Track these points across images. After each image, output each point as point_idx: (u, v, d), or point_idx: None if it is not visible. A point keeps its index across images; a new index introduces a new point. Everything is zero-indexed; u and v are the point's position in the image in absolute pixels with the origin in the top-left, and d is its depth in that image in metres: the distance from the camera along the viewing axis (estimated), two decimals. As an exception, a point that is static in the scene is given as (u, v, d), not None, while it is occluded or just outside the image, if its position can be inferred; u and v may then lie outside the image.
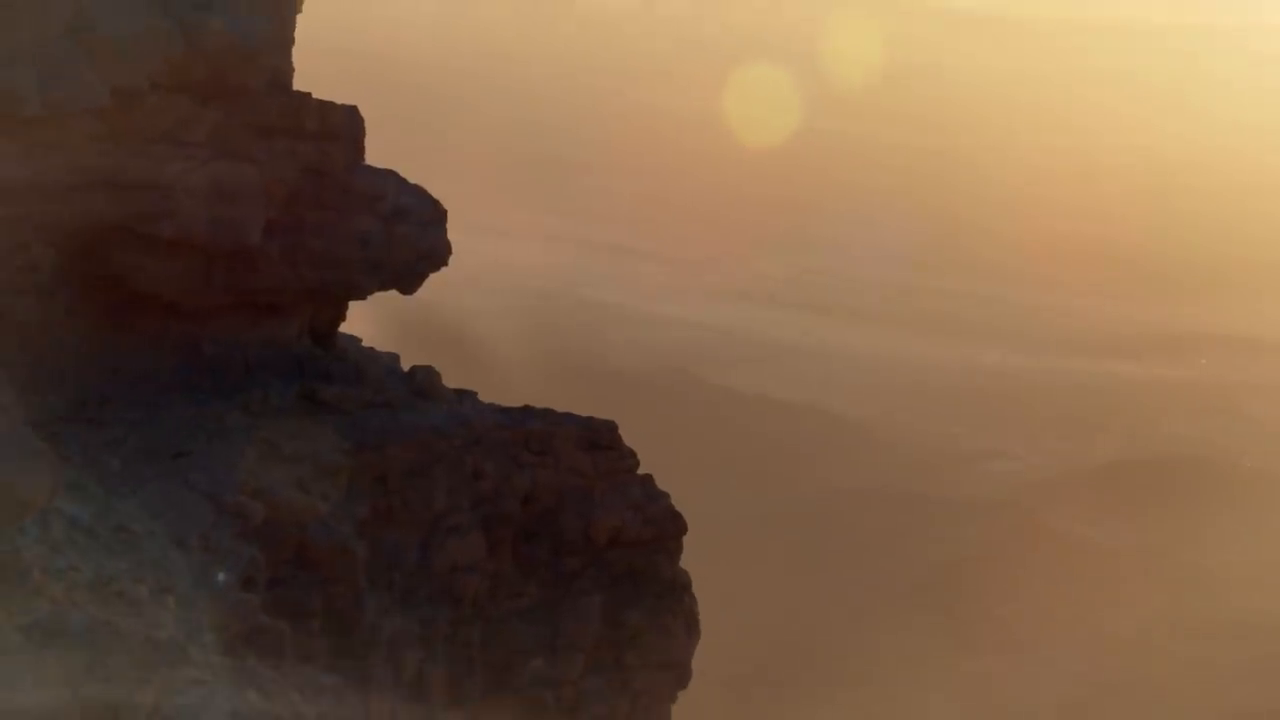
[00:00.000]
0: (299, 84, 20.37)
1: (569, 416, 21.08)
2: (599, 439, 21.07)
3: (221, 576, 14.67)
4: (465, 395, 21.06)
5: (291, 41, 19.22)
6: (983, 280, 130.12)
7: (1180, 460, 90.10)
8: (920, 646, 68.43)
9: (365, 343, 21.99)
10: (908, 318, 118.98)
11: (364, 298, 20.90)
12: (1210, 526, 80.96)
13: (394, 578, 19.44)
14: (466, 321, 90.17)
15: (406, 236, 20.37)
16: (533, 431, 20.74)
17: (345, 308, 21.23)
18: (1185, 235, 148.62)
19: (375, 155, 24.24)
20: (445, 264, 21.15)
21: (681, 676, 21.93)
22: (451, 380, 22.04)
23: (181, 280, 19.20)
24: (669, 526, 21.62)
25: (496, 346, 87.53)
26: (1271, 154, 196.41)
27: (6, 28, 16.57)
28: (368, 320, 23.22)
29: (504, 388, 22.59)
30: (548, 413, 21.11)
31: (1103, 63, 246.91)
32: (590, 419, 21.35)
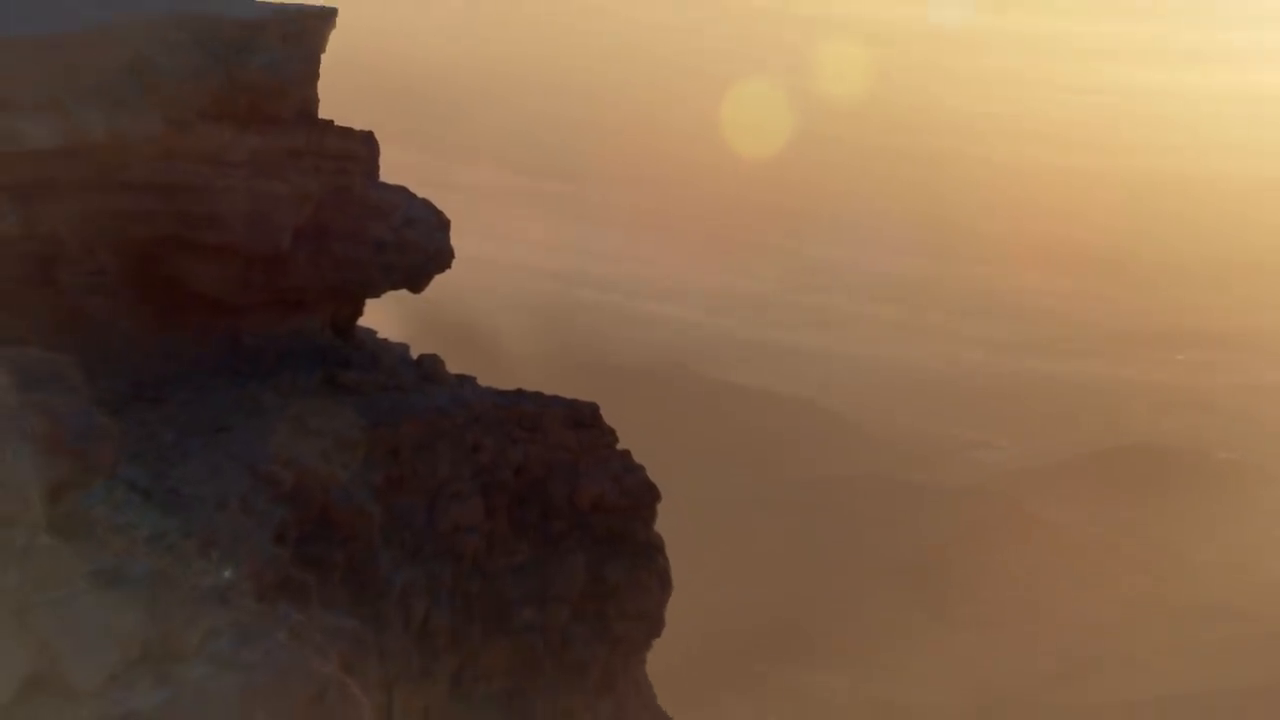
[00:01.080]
0: (330, 99, 20.79)
1: (556, 399, 21.71)
2: (583, 418, 21.80)
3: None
4: (465, 380, 21.66)
5: (317, 76, 20.07)
6: (969, 282, 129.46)
7: (1156, 451, 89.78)
8: (907, 622, 68.40)
9: (380, 335, 22.45)
10: (897, 317, 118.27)
11: (379, 295, 21.48)
12: (1185, 514, 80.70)
13: (404, 537, 20.01)
14: (479, 319, 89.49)
15: (415, 242, 21.24)
16: (525, 411, 21.39)
17: (362, 304, 21.82)
18: (1162, 239, 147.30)
19: (401, 163, 25.05)
20: (449, 266, 21.99)
21: (654, 626, 22.65)
22: (469, 372, 22.36)
23: (224, 281, 20.03)
24: (644, 496, 22.35)
25: (507, 343, 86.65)
26: (1244, 163, 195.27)
27: (76, 68, 17.42)
28: (388, 316, 23.96)
29: (512, 381, 23.39)
30: (538, 395, 21.77)
31: (1081, 79, 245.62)
32: (575, 401, 22.03)
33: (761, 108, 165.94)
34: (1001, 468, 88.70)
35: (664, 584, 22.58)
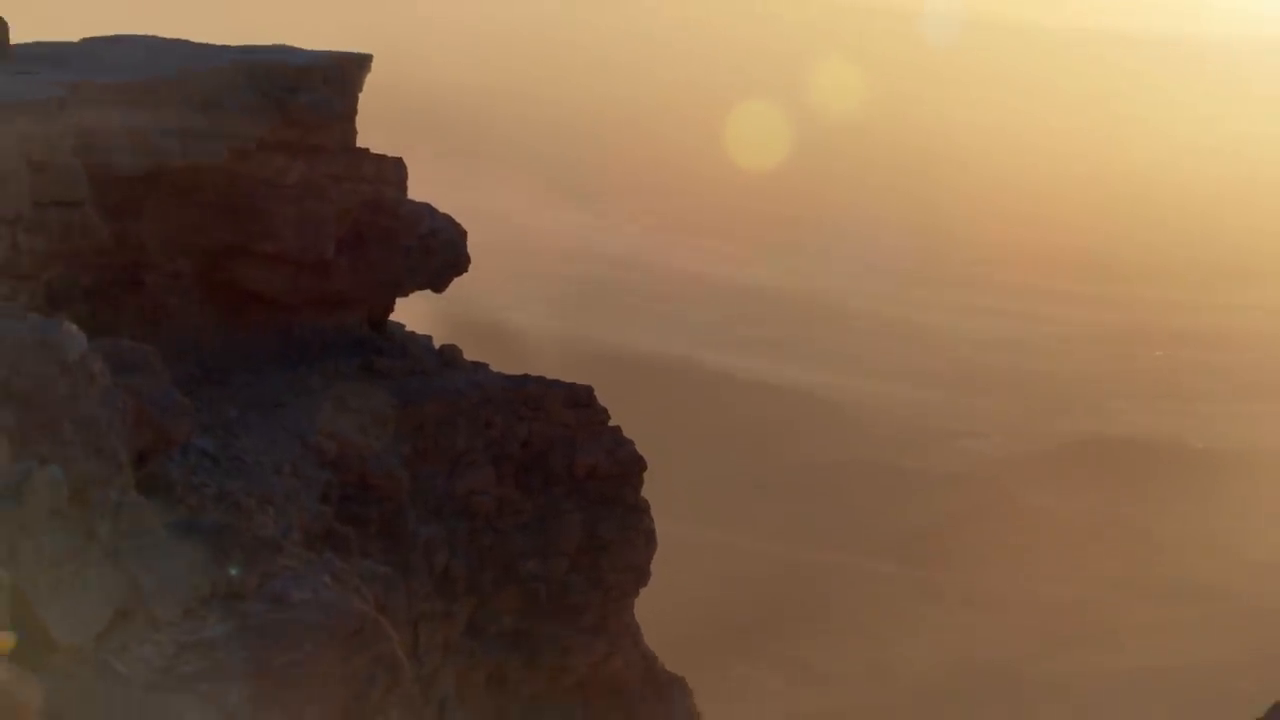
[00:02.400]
0: (369, 120, 21.41)
1: (557, 382, 22.19)
2: (580, 399, 22.36)
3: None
4: (480, 366, 22.23)
5: (355, 112, 20.81)
6: (957, 283, 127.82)
7: (1135, 440, 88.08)
8: (895, 598, 67.30)
9: (408, 328, 22.87)
10: (889, 315, 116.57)
11: (407, 295, 22.10)
12: (1162, 499, 79.25)
13: (428, 498, 20.59)
14: (503, 315, 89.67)
15: (437, 250, 21.89)
16: (530, 393, 21.95)
17: (393, 302, 22.32)
18: (1142, 243, 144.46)
19: (435, 179, 25.68)
20: (466, 269, 22.40)
21: (641, 576, 23.17)
22: (498, 361, 22.99)
23: (277, 284, 20.65)
24: (633, 465, 22.86)
25: (530, 336, 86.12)
26: (1221, 167, 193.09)
27: (160, 108, 18.33)
28: (415, 312, 24.12)
29: (535, 370, 23.40)
30: (541, 379, 22.25)
31: (1064, 94, 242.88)
32: (573, 384, 22.44)
33: (762, 123, 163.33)
34: (988, 455, 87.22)
35: (649, 540, 23.05)
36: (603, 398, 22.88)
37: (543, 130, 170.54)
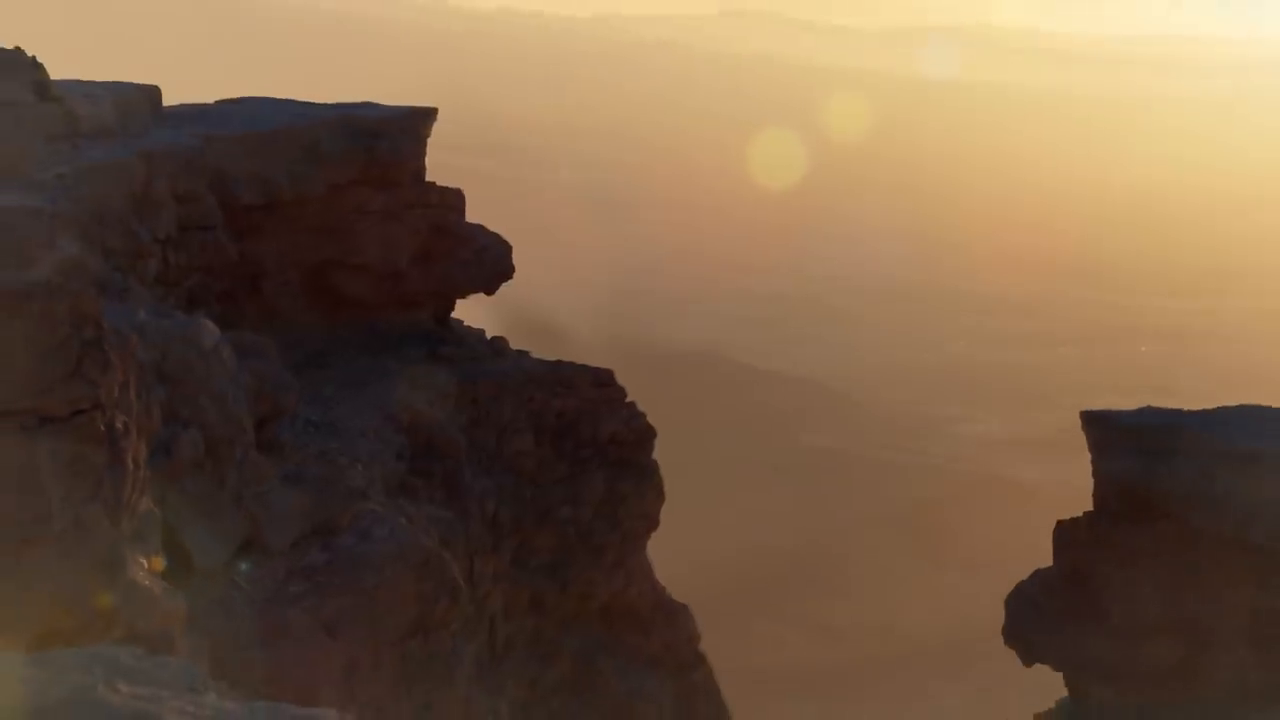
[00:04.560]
0: (440, 148, 22.36)
1: (585, 366, 22.92)
2: (603, 380, 23.09)
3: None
4: (523, 353, 22.93)
5: (424, 153, 21.77)
6: (953, 285, 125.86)
7: None
8: (900, 564, 66.35)
9: (466, 323, 23.45)
10: (892, 315, 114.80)
11: (464, 297, 22.80)
12: None
13: (481, 458, 21.23)
14: (548, 313, 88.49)
15: (488, 262, 22.66)
16: (563, 374, 22.63)
17: (454, 303, 23.03)
18: (1128, 249, 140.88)
19: (487, 200, 26.91)
20: (511, 277, 22.98)
21: (652, 523, 23.82)
22: (544, 354, 23.41)
23: (364, 289, 21.47)
24: (646, 433, 23.56)
25: (573, 334, 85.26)
26: (1202, 180, 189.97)
27: (274, 152, 19.63)
28: (471, 311, 24.68)
29: (577, 361, 23.65)
30: (572, 364, 22.97)
31: (1053, 115, 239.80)
32: (597, 368, 23.14)
33: (778, 147, 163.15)
34: (983, 440, 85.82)
35: (659, 495, 23.59)
36: (636, 387, 23.51)
37: (584, 155, 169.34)
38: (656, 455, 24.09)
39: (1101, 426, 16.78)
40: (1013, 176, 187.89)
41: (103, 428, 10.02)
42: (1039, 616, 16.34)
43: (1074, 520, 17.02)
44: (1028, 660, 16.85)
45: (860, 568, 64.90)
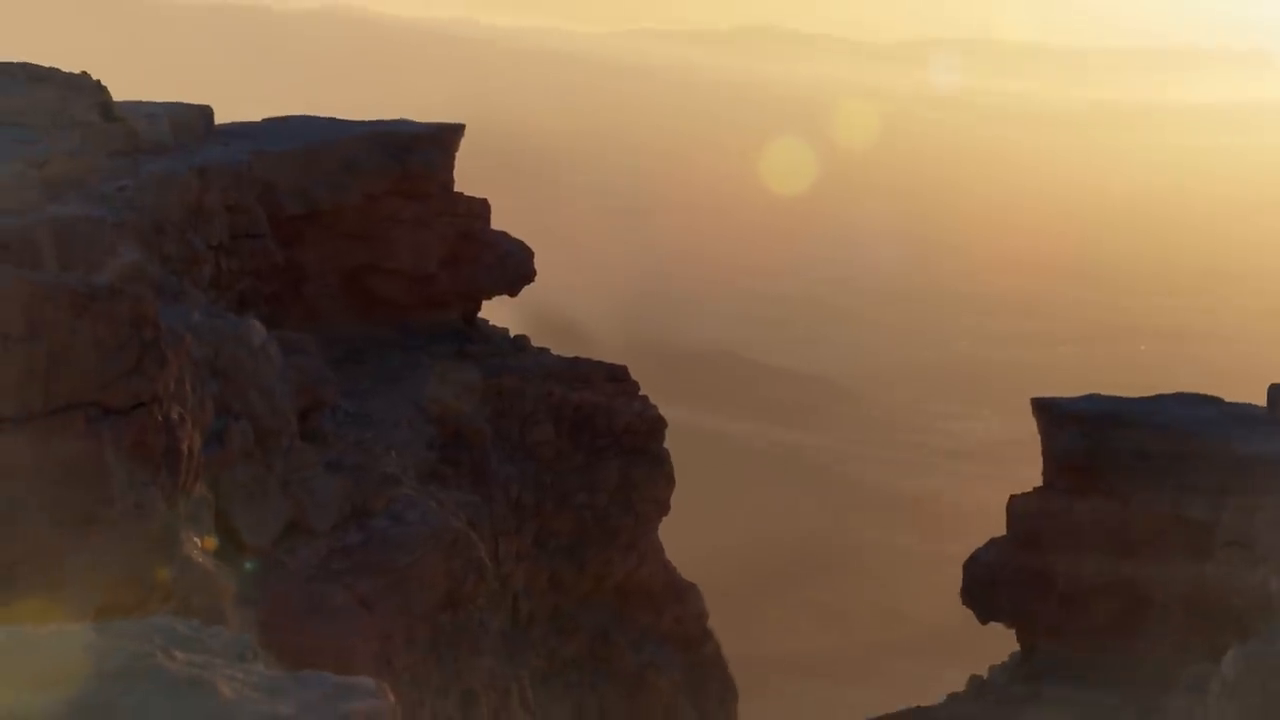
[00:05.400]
0: (469, 155, 22.48)
1: (600, 362, 23.32)
2: (617, 375, 23.44)
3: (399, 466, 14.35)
4: (543, 350, 23.27)
5: (453, 166, 22.24)
6: (955, 287, 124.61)
7: None
8: (904, 552, 66.03)
9: (491, 322, 23.69)
10: (898, 316, 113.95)
11: (489, 299, 23.24)
12: None
13: (505, 446, 21.48)
14: (570, 315, 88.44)
15: (511, 266, 23.11)
16: (580, 370, 23.01)
17: (479, 304, 23.47)
18: (1127, 252, 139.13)
19: (510, 207, 26.20)
20: (533, 280, 23.33)
21: (663, 508, 23.97)
22: (565, 351, 23.61)
23: (398, 291, 21.90)
24: (657, 424, 23.73)
25: (595, 334, 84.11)
26: (1199, 185, 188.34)
27: (315, 166, 19.84)
28: (499, 312, 24.67)
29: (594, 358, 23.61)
30: (588, 360, 23.34)
31: (1053, 123, 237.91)
32: (612, 364, 23.50)
33: (788, 156, 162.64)
34: (984, 433, 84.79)
35: (669, 481, 23.80)
36: (653, 385, 23.68)
37: (604, 164, 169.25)
38: (672, 448, 24.19)
39: (1049, 412, 17.74)
40: (1013, 182, 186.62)
41: (160, 419, 10.39)
42: (993, 580, 17.07)
43: (1025, 494, 17.92)
44: (983, 618, 17.64)
45: (867, 556, 64.68)
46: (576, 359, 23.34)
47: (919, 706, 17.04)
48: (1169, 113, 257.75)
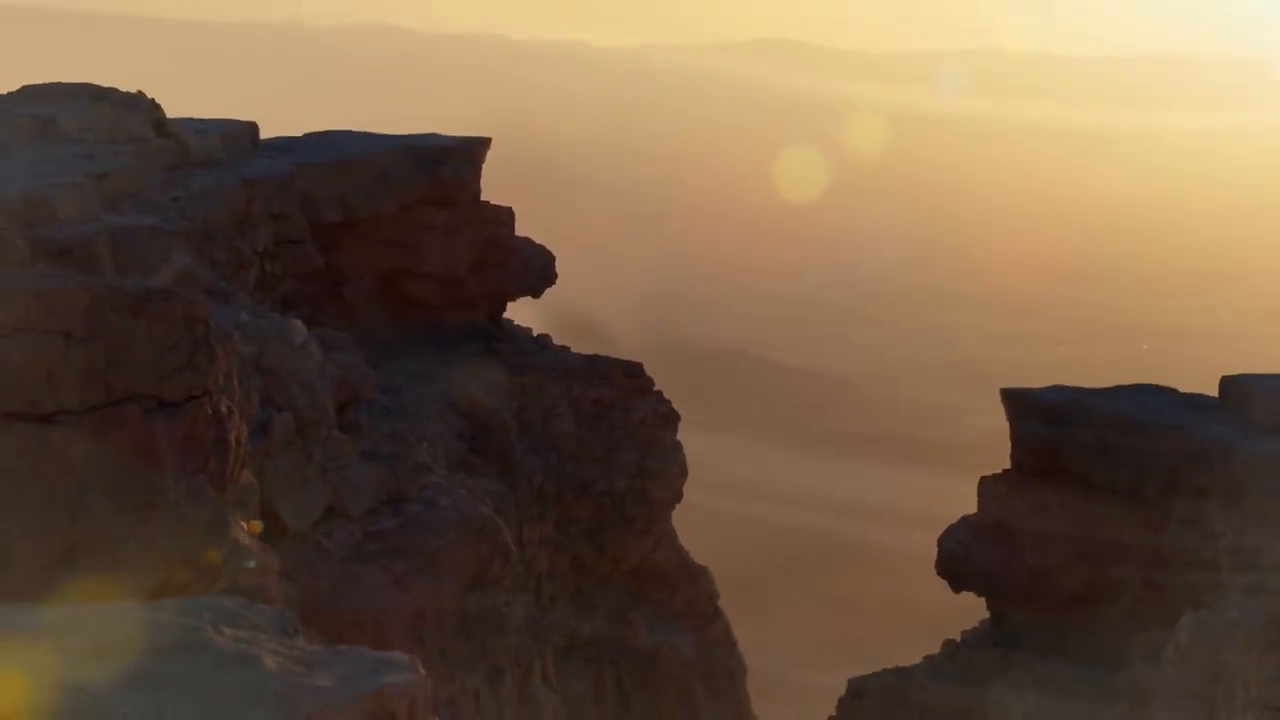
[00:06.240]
0: (495, 164, 22.82)
1: (617, 360, 23.48)
2: (633, 371, 23.57)
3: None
4: (564, 348, 23.54)
5: (480, 176, 22.60)
6: (959, 288, 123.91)
7: None
8: (914, 543, 60.06)
9: (516, 322, 24.00)
10: (907, 316, 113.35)
11: (514, 300, 23.56)
12: None
13: (529, 438, 21.87)
14: (591, 317, 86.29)
15: (534, 270, 23.44)
16: (599, 367, 23.21)
17: (505, 305, 23.80)
18: (1129, 254, 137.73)
19: (535, 214, 26.30)
20: (554, 283, 23.70)
21: (677, 495, 24.04)
22: (587, 350, 23.78)
23: (429, 293, 22.26)
24: (670, 417, 23.88)
25: (615, 333, 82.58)
26: (1199, 191, 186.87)
27: (351, 179, 20.46)
28: (524, 313, 24.72)
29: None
30: (606, 357, 23.49)
31: (1057, 132, 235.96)
32: (629, 362, 23.64)
33: (801, 164, 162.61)
34: (989, 429, 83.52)
35: (682, 470, 23.90)
36: (672, 383, 23.62)
37: (624, 172, 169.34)
38: (687, 442, 24.27)
39: (1018, 401, 18.26)
40: (1014, 186, 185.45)
41: (210, 411, 10.64)
42: (966, 554, 17.49)
43: (995, 476, 18.52)
44: (956, 588, 18.13)
45: (877, 547, 64.30)
46: (596, 357, 23.57)
47: (899, 667, 17.52)
48: (1169, 118, 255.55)
